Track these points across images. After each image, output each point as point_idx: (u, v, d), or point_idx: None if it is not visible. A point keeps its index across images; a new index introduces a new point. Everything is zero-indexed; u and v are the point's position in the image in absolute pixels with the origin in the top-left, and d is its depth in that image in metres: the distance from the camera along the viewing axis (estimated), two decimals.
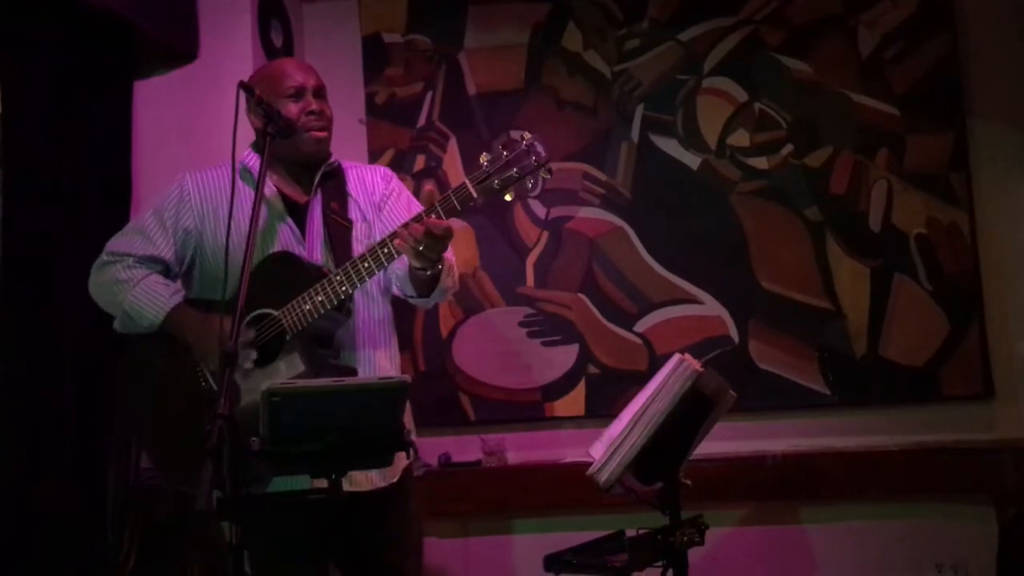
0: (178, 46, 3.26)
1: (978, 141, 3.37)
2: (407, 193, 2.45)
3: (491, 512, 3.47)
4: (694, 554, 2.31)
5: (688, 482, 2.34)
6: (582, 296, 3.53)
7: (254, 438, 1.79)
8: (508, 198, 2.06)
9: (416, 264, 2.10)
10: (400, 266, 2.24)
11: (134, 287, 2.23)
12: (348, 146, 3.50)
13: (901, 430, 3.31)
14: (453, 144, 3.64)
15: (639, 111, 3.55)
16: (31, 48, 2.84)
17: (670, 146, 3.53)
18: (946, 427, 3.29)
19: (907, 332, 3.35)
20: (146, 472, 2.94)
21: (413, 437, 1.97)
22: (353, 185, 2.36)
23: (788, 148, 3.46)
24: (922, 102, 3.38)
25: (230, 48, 3.32)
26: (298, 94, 2.25)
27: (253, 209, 2.04)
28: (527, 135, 2.04)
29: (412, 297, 2.28)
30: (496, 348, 3.55)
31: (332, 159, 2.34)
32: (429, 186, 3.58)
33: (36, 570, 2.69)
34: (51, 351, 2.81)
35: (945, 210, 3.36)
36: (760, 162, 3.48)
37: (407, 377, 1.90)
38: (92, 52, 3.03)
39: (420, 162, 3.64)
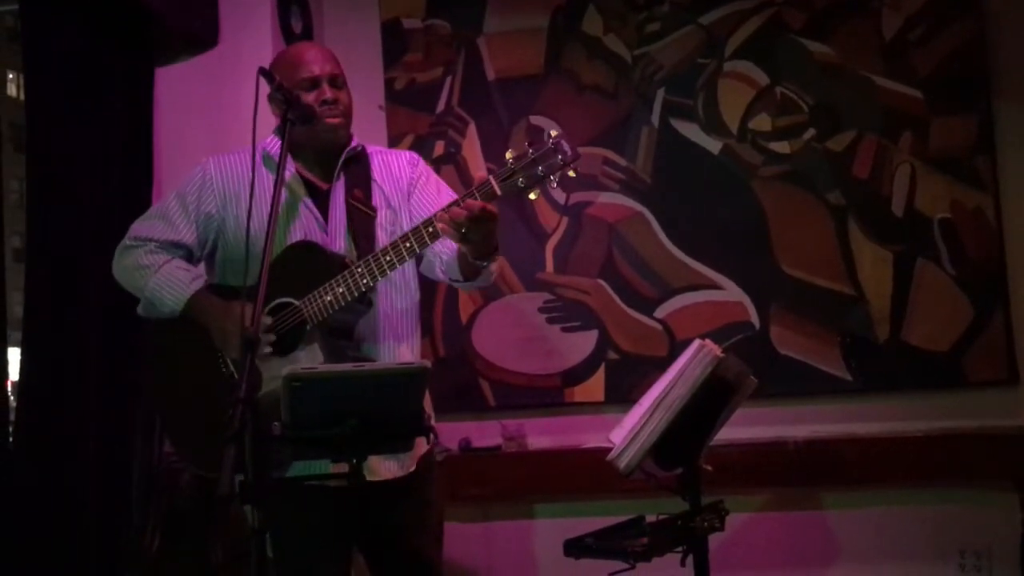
0: (198, 33, 3.27)
1: (1003, 124, 3.33)
2: (435, 176, 2.43)
3: (511, 497, 3.48)
4: (714, 540, 2.31)
5: (708, 468, 2.34)
6: (602, 282, 3.52)
7: (275, 423, 1.80)
8: (532, 196, 2.04)
9: (470, 251, 2.09)
10: (446, 250, 2.23)
11: (155, 273, 2.24)
12: (367, 132, 3.49)
13: (924, 416, 3.29)
14: (472, 130, 3.63)
15: (659, 95, 3.53)
16: (54, 38, 2.86)
17: (691, 130, 3.50)
18: (970, 413, 3.26)
19: (930, 317, 3.32)
20: (170, 457, 2.97)
21: (433, 422, 1.98)
22: (378, 170, 2.34)
23: (810, 132, 3.43)
24: (946, 85, 3.34)
25: (250, 34, 3.33)
26: (313, 83, 2.24)
27: (274, 196, 2.04)
28: (554, 132, 2.00)
29: (457, 281, 2.26)
30: (516, 334, 3.55)
31: (355, 144, 2.32)
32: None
33: (63, 555, 2.73)
34: (75, 340, 2.83)
35: (969, 194, 3.32)
36: (782, 146, 3.45)
37: (427, 362, 1.91)
38: (113, 40, 3.04)
39: (439, 148, 3.64)
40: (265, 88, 2.17)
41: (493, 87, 3.63)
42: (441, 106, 3.66)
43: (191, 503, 2.95)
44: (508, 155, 2.02)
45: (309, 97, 2.22)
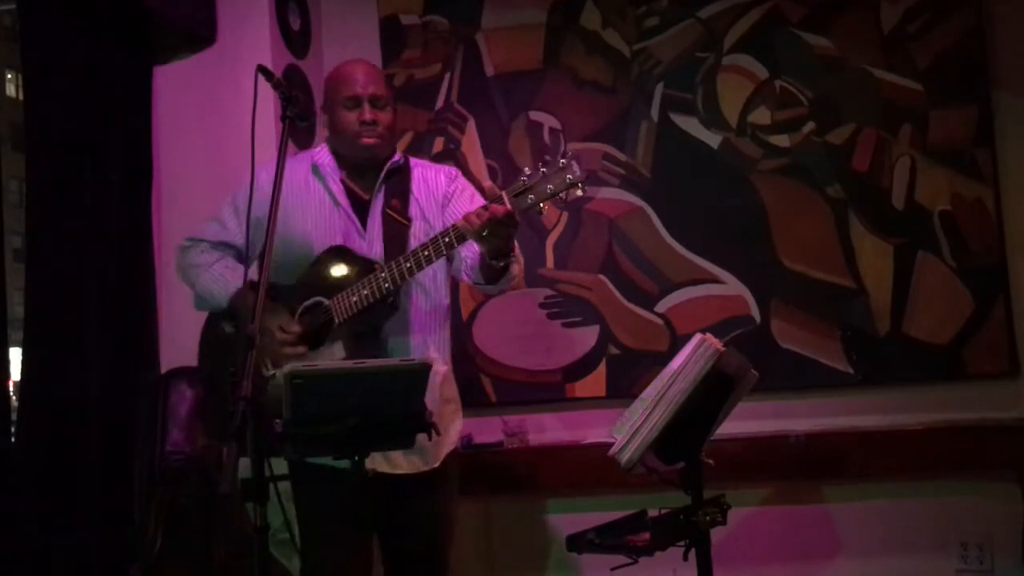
0: (196, 30, 3.26)
1: (1003, 116, 3.32)
2: (471, 189, 2.56)
3: (513, 493, 3.48)
4: (716, 534, 2.31)
5: (710, 462, 2.34)
6: (602, 277, 3.52)
7: (277, 420, 1.81)
8: (542, 211, 2.18)
9: (487, 252, 2.23)
10: (469, 255, 2.39)
11: (206, 271, 2.46)
12: None
13: (925, 409, 3.29)
14: (472, 126, 3.63)
15: (659, 90, 3.52)
16: (52, 37, 2.85)
17: (690, 125, 3.50)
18: (971, 406, 3.26)
19: (931, 310, 3.32)
20: (172, 454, 2.97)
21: (435, 419, 2.00)
22: (417, 184, 2.50)
23: (810, 125, 3.43)
24: (946, 77, 3.34)
25: (248, 31, 3.32)
26: (355, 103, 2.41)
27: (274, 193, 2.07)
28: (568, 153, 2.15)
29: (479, 284, 2.42)
30: (517, 330, 3.55)
31: (398, 158, 2.50)
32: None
33: (65, 554, 2.73)
34: (76, 339, 2.83)
35: (969, 186, 3.32)
36: (781, 140, 3.45)
37: (428, 359, 1.92)
38: (112, 39, 3.03)
39: (439, 144, 3.64)
40: (264, 84, 2.17)
41: (492, 83, 3.63)
42: (440, 102, 3.65)
43: (193, 501, 2.95)
44: (525, 171, 2.16)
45: (349, 116, 2.41)
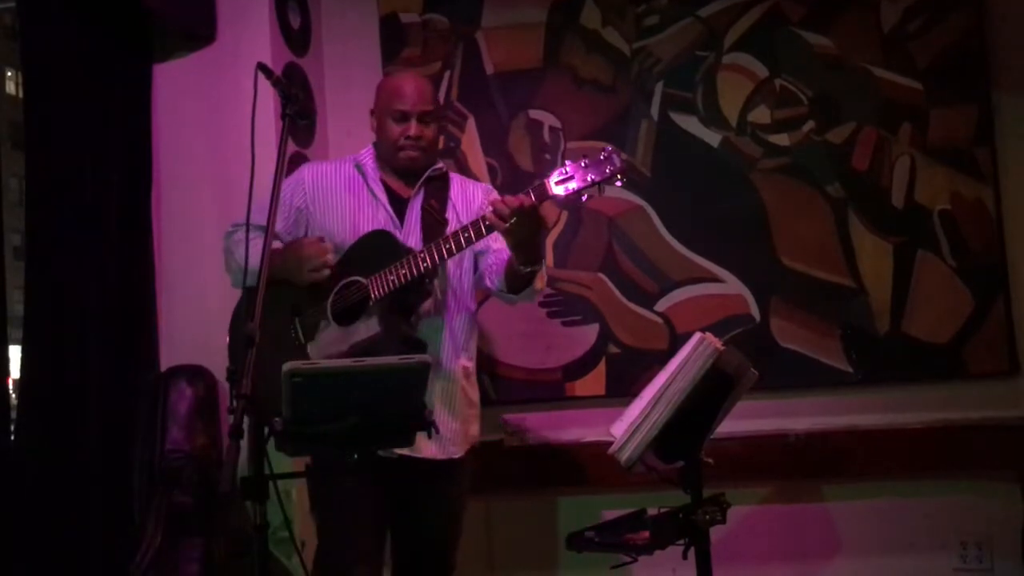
0: (196, 28, 3.26)
1: (1003, 115, 3.32)
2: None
3: (512, 491, 3.48)
4: (716, 532, 2.31)
5: (710, 461, 2.34)
6: (602, 275, 3.52)
7: (276, 418, 1.81)
8: (584, 199, 2.28)
9: (517, 256, 2.32)
10: (496, 261, 2.48)
11: (246, 245, 2.46)
12: (366, 129, 3.50)
13: (925, 408, 3.29)
14: (471, 124, 3.63)
15: (658, 88, 3.52)
16: (52, 35, 2.86)
17: (690, 123, 3.50)
18: (971, 404, 3.26)
19: (931, 309, 3.32)
20: (172, 453, 2.97)
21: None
22: (456, 192, 2.63)
23: (810, 124, 3.43)
24: (946, 76, 3.34)
25: (248, 29, 3.31)
26: (403, 117, 2.53)
27: (274, 190, 2.07)
28: (608, 148, 2.25)
29: (502, 292, 2.51)
30: (516, 328, 3.55)
31: (440, 165, 2.65)
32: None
33: (65, 553, 2.73)
34: (76, 337, 2.83)
35: (969, 185, 3.32)
36: (781, 139, 3.44)
37: (427, 357, 1.92)
38: (111, 37, 3.04)
39: (439, 142, 3.63)
40: (264, 82, 2.17)
41: (492, 81, 3.63)
42: (440, 101, 3.65)
43: (193, 500, 2.95)
44: (567, 163, 2.25)
45: (396, 129, 2.53)
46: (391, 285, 2.35)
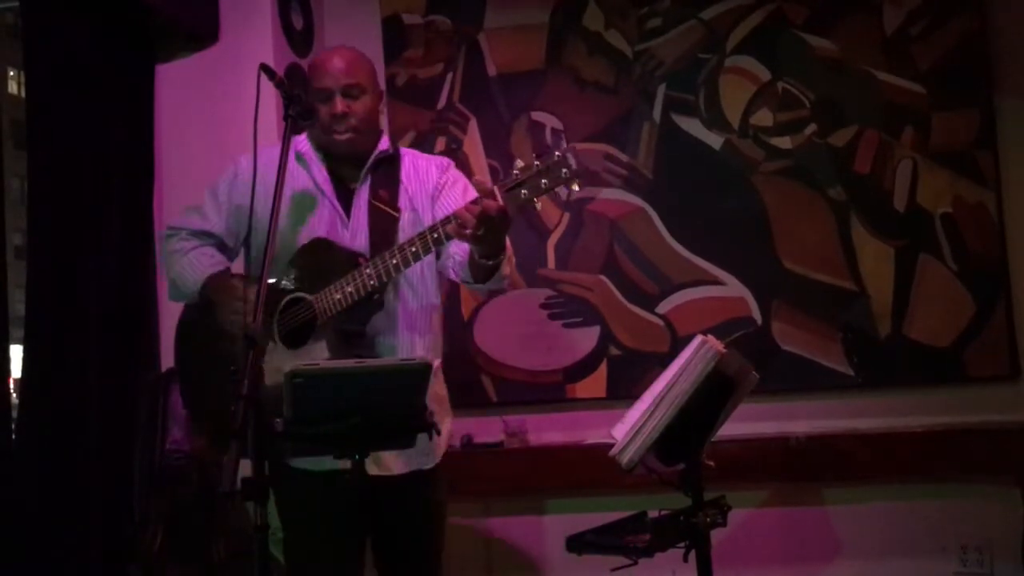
0: (198, 29, 3.27)
1: (1005, 118, 3.33)
2: (464, 181, 2.42)
3: (513, 493, 3.48)
4: (717, 535, 2.31)
5: (710, 463, 2.34)
6: (603, 278, 3.52)
7: (277, 419, 1.80)
8: (537, 207, 2.05)
9: (478, 250, 2.11)
10: (458, 252, 2.26)
11: (183, 257, 2.34)
12: None
13: (925, 411, 3.29)
14: (473, 126, 3.63)
15: (661, 91, 3.52)
16: (55, 35, 2.86)
17: (692, 126, 3.50)
18: (971, 408, 3.27)
19: (932, 312, 3.32)
20: (172, 453, 2.97)
21: (436, 419, 1.99)
22: (406, 173, 2.37)
23: (812, 127, 3.43)
24: (948, 79, 3.34)
25: (250, 30, 3.32)
26: (326, 96, 2.27)
27: (276, 190, 2.04)
28: (563, 146, 2.01)
29: (468, 283, 2.29)
30: (518, 330, 3.55)
31: (386, 147, 2.36)
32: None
33: (66, 551, 2.73)
34: (77, 336, 2.83)
35: (971, 189, 3.32)
36: (783, 141, 3.45)
37: (429, 359, 1.91)
38: (114, 37, 3.04)
39: (440, 144, 3.64)
40: (266, 83, 2.17)
41: (494, 83, 3.63)
42: (442, 102, 3.65)
43: (193, 499, 2.95)
44: (516, 165, 2.03)
45: (322, 110, 2.27)
46: (339, 305, 2.14)
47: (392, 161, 2.38)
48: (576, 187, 2.01)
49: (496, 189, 2.01)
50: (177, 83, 3.32)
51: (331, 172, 2.34)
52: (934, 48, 3.36)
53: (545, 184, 1.99)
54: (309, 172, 2.33)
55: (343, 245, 2.25)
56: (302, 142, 2.36)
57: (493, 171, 3.58)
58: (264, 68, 2.18)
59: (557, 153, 1.99)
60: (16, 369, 2.85)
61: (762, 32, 3.47)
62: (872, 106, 3.39)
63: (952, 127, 3.34)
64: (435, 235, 2.08)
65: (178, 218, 2.44)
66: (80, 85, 2.91)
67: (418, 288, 2.33)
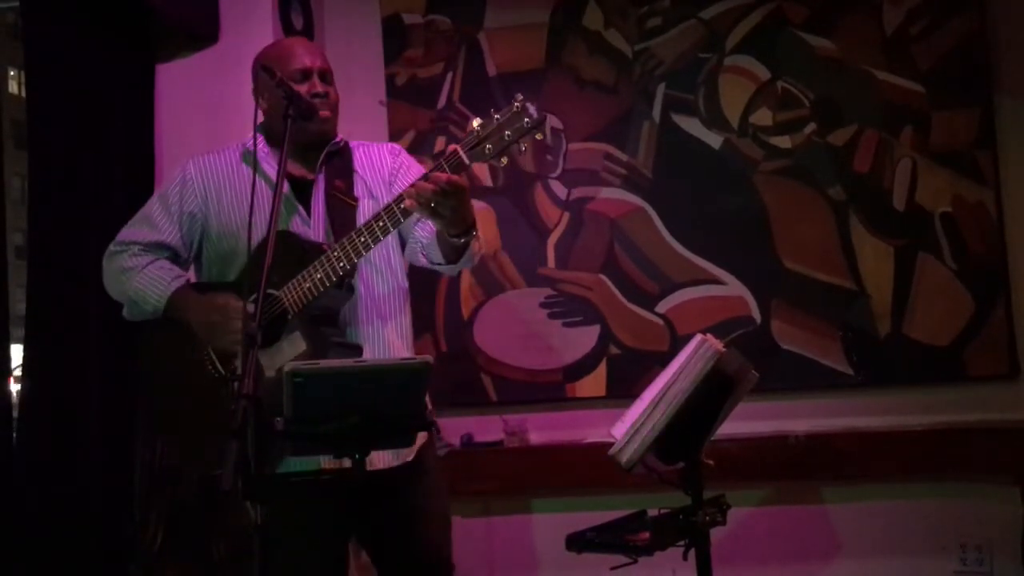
0: (199, 28, 3.27)
1: (1005, 118, 3.33)
2: (417, 166, 2.41)
3: (513, 492, 3.48)
4: (716, 534, 2.31)
5: (710, 462, 2.34)
6: (603, 277, 3.53)
7: (278, 418, 1.81)
8: (503, 162, 2.01)
9: (439, 225, 2.07)
10: (425, 233, 2.23)
11: (139, 273, 2.25)
12: (368, 128, 3.50)
13: (925, 410, 3.29)
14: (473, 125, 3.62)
15: (660, 90, 3.53)
16: (55, 35, 2.86)
17: (692, 125, 3.50)
18: (971, 407, 3.27)
19: (932, 312, 3.33)
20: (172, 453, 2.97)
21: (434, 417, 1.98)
22: (359, 162, 2.35)
23: (811, 126, 3.43)
24: (948, 79, 3.34)
25: (251, 29, 3.31)
26: (305, 75, 2.25)
27: (278, 192, 2.03)
28: (519, 96, 1.99)
29: (439, 264, 2.25)
30: (517, 329, 3.56)
31: (339, 139, 2.33)
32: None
33: (66, 551, 2.73)
34: (78, 336, 2.83)
35: (971, 188, 3.32)
36: (783, 141, 3.45)
37: (429, 358, 1.91)
38: (114, 37, 3.04)
39: (440, 143, 3.64)
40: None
41: (494, 82, 3.63)
42: (442, 102, 3.66)
43: (193, 499, 2.95)
44: (474, 123, 2.00)
45: (301, 88, 2.21)
46: (309, 294, 2.08)
47: (343, 153, 2.35)
48: (540, 136, 1.99)
49: (458, 148, 1.99)
50: (177, 83, 3.32)
51: (283, 167, 2.22)
52: (934, 48, 3.36)
53: (508, 136, 1.97)
54: (260, 169, 2.24)
55: (305, 237, 2.21)
56: (251, 140, 2.25)
57: (493, 171, 3.58)
58: (264, 68, 2.18)
59: (516, 104, 1.97)
60: (17, 369, 2.85)
61: (762, 31, 3.47)
62: (872, 105, 3.39)
63: (952, 127, 3.34)
64: (401, 206, 2.03)
65: (126, 231, 2.33)
66: (80, 85, 2.91)
67: (385, 272, 2.30)
